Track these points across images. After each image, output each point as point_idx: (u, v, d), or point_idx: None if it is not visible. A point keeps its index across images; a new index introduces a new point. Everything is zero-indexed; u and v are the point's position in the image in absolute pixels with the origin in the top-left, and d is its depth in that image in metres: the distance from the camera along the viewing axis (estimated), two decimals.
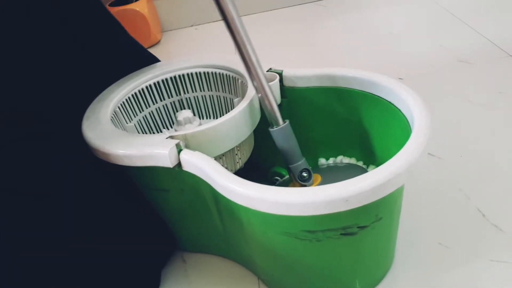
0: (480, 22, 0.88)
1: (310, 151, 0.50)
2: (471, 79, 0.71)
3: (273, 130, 0.41)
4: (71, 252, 0.37)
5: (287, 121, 0.41)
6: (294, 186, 0.43)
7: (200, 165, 0.35)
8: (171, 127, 0.54)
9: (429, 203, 0.50)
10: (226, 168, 0.43)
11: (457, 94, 0.68)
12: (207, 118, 0.56)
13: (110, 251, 0.40)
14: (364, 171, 0.46)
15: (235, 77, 0.49)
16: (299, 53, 0.90)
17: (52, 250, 0.36)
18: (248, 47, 0.37)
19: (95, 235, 0.39)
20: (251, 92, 0.44)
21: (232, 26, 0.36)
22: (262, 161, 0.51)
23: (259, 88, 0.39)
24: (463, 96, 0.67)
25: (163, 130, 0.53)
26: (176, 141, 0.37)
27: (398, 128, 0.40)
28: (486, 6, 0.95)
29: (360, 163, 0.49)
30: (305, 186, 0.42)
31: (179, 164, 0.37)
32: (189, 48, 1.03)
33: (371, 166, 0.48)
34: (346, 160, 0.50)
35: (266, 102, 0.39)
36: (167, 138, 0.37)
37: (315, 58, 0.87)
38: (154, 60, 0.56)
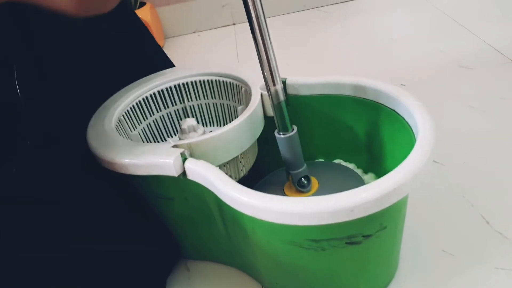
0: (480, 27, 0.88)
1: (310, 155, 0.50)
2: (472, 85, 0.71)
3: (280, 137, 0.40)
4: (71, 252, 0.37)
5: (295, 129, 0.40)
6: (289, 188, 0.43)
7: (205, 174, 0.35)
8: (175, 135, 0.54)
9: (433, 210, 0.50)
10: (230, 176, 0.44)
11: (459, 100, 0.68)
12: (210, 125, 0.56)
13: (112, 255, 0.40)
14: (357, 176, 0.46)
15: (238, 85, 0.49)
16: (301, 58, 0.91)
17: (52, 250, 0.36)
18: (270, 47, 0.36)
19: (95, 237, 0.39)
20: (255, 100, 0.44)
21: (255, 24, 0.34)
22: (265, 168, 0.51)
23: (273, 92, 0.38)
24: (465, 102, 0.67)
25: (168, 138, 0.53)
26: (181, 150, 0.37)
27: (402, 137, 0.40)
28: (486, 11, 0.95)
29: (359, 171, 0.49)
30: (302, 192, 0.42)
31: (183, 173, 0.37)
32: (191, 54, 1.03)
33: (369, 174, 0.48)
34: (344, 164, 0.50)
35: (278, 107, 0.38)
36: (172, 147, 0.38)
37: (316, 64, 0.88)
38: (167, 66, 0.56)
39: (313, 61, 0.89)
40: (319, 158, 0.52)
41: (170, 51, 1.06)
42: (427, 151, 0.32)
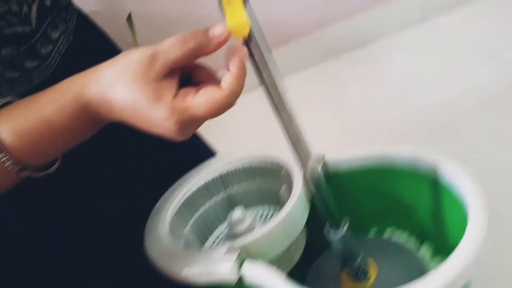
0: (501, 61, 0.86)
1: (362, 227, 0.50)
2: (507, 117, 0.69)
3: (333, 239, 0.38)
4: None
5: (346, 224, 0.38)
6: (347, 279, 0.42)
7: (264, 278, 0.35)
8: (221, 224, 0.55)
9: (493, 268, 0.48)
10: (283, 267, 0.43)
11: (492, 139, 0.65)
12: (254, 206, 0.56)
13: None
14: (414, 255, 0.44)
15: (279, 167, 0.50)
16: (322, 116, 0.90)
17: None
18: (294, 124, 0.34)
19: None
20: (298, 182, 0.44)
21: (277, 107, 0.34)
22: (313, 246, 0.50)
23: (310, 186, 0.37)
24: (500, 142, 0.65)
25: (215, 231, 0.54)
26: (236, 254, 0.38)
27: (450, 205, 0.40)
28: (506, 44, 0.93)
29: (412, 239, 0.48)
30: (361, 282, 0.40)
31: (240, 277, 0.38)
32: (222, 124, 1.06)
33: (424, 245, 0.47)
34: (397, 234, 0.50)
35: (319, 192, 0.37)
36: (226, 252, 0.39)
37: (341, 119, 0.87)
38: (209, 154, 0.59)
39: (336, 117, 0.88)
40: (371, 228, 0.51)
41: None
42: (482, 231, 0.32)
